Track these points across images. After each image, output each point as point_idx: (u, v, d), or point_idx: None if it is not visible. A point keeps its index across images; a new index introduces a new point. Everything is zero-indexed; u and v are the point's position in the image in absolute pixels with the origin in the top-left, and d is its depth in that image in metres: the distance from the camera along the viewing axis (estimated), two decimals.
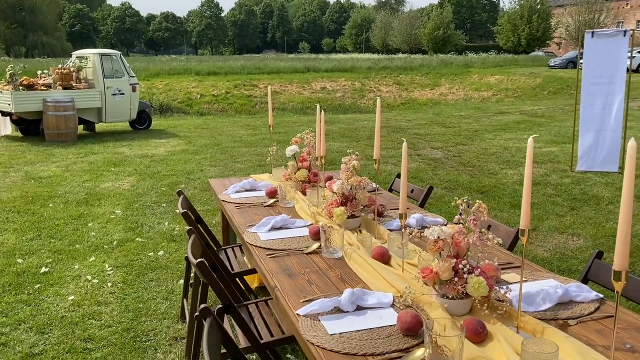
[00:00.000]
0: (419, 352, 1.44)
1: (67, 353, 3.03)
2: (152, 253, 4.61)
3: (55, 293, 3.82)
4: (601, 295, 1.78)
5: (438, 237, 1.63)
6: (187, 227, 2.65)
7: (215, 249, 3.18)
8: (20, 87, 10.41)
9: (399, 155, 9.39)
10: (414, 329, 1.52)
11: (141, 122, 12.16)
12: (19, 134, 11.46)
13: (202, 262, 2.01)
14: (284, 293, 1.86)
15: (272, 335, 2.23)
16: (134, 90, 11.60)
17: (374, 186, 3.02)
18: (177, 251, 4.62)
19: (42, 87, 10.68)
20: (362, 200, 2.50)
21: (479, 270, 1.57)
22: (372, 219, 2.51)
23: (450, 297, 1.59)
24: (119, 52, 12.06)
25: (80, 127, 11.40)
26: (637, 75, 28.27)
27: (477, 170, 7.88)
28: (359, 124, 13.76)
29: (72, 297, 3.75)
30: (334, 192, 2.48)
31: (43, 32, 66.28)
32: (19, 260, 4.43)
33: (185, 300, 3.24)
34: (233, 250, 3.32)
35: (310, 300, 1.77)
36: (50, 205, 6.13)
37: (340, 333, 1.55)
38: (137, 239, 4.99)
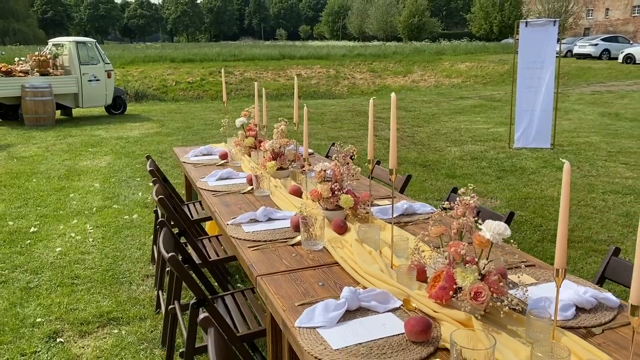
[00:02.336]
0: None
1: (57, 287, 3.74)
2: (127, 216, 5.31)
3: (44, 246, 4.51)
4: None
5: (323, 169, 2.38)
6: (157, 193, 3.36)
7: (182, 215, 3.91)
8: None
9: (359, 136, 10.17)
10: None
11: (116, 107, 12.71)
12: None
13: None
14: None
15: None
16: (109, 76, 12.13)
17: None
18: (149, 215, 5.32)
19: (20, 74, 11.16)
20: (288, 156, 3.26)
21: (347, 189, 2.34)
22: (299, 172, 3.26)
23: (329, 209, 2.37)
24: (94, 40, 12.55)
25: (58, 112, 11.90)
26: (566, 59, 29.66)
27: (425, 148, 8.70)
28: (327, 108, 14.49)
29: (59, 248, 4.44)
30: (266, 149, 3.23)
31: (14, 18, 65.16)
32: (10, 223, 5.09)
33: (154, 246, 3.95)
34: (194, 205, 4.04)
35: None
36: (34, 180, 6.75)
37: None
38: (114, 205, 5.68)
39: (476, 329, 1.35)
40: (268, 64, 30.52)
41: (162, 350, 2.88)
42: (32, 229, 4.92)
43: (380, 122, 11.70)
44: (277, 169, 3.19)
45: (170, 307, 2.46)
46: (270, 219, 2.48)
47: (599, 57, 30.84)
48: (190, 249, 2.91)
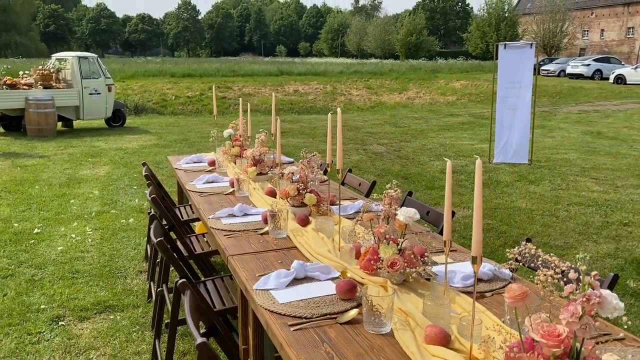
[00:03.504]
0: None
1: (59, 280, 4.13)
2: (124, 220, 5.72)
3: (47, 245, 4.91)
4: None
5: (292, 173, 2.81)
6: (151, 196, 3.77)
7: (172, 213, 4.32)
8: (4, 86, 11.34)
9: (347, 149, 10.61)
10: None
11: (116, 120, 13.17)
12: (1, 130, 12.36)
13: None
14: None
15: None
16: (109, 90, 12.61)
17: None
18: (144, 219, 5.72)
19: (24, 86, 11.63)
20: (267, 162, 3.69)
21: (310, 189, 2.77)
22: (277, 177, 3.68)
23: (295, 205, 2.79)
24: (95, 55, 13.06)
25: (59, 123, 12.35)
26: (558, 79, 30.44)
27: (409, 162, 9.15)
28: (319, 123, 14.97)
29: (61, 247, 4.85)
30: (245, 157, 3.66)
31: (16, 32, 66.00)
32: (15, 224, 5.50)
33: (148, 245, 4.35)
34: (185, 208, 4.46)
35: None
36: (37, 187, 7.16)
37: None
38: (112, 211, 6.09)
39: (388, 286, 1.77)
40: (266, 79, 31.09)
41: (152, 332, 3.27)
42: (35, 230, 5.32)
43: (369, 137, 12.19)
44: (257, 174, 3.62)
45: (158, 289, 2.86)
46: (245, 214, 2.90)
47: (591, 77, 31.50)
48: (179, 243, 3.31)
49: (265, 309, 1.79)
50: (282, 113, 22.93)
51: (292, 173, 2.84)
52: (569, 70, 33.01)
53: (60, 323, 3.46)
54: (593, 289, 1.16)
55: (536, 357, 1.19)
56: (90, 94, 12.30)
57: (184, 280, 1.92)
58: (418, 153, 10.05)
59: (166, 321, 2.56)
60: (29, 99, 11.27)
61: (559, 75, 33.61)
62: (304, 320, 1.71)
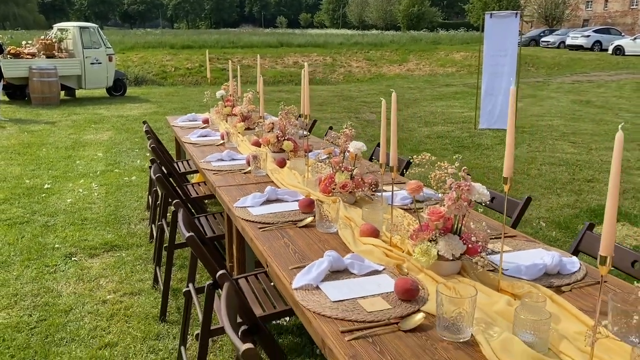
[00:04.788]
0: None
1: (70, 225, 4.62)
2: (127, 178, 6.19)
3: (57, 198, 5.39)
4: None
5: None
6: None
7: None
8: (8, 56, 11.70)
9: (341, 117, 11.02)
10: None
11: (117, 89, 13.55)
12: (6, 98, 12.76)
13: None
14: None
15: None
16: (110, 60, 12.96)
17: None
18: (146, 177, 6.18)
19: (27, 56, 11.98)
20: (254, 119, 4.12)
21: (288, 137, 3.22)
22: (263, 131, 4.10)
23: (275, 151, 3.24)
24: (96, 25, 13.37)
25: (62, 92, 12.74)
26: (558, 50, 30.49)
27: (398, 128, 9.54)
28: (315, 93, 15.33)
29: (70, 200, 5.33)
30: (235, 114, 4.09)
31: (14, 3, 65.53)
32: (27, 181, 5.97)
33: (149, 196, 4.81)
34: (182, 163, 4.91)
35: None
36: (44, 149, 7.62)
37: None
38: (115, 170, 6.55)
39: (338, 201, 2.24)
40: (266, 51, 31.15)
41: (153, 265, 3.76)
42: (45, 186, 5.79)
43: (363, 106, 12.58)
44: (245, 129, 4.06)
45: (158, 223, 3.33)
46: (233, 159, 3.36)
47: (591, 49, 31.54)
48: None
49: (242, 219, 2.26)
50: (281, 85, 23.21)
51: (272, 123, 3.28)
52: (568, 41, 32.99)
53: (73, 259, 3.95)
54: (465, 181, 1.62)
55: (427, 231, 1.66)
56: (92, 63, 12.65)
57: (178, 201, 2.39)
58: (408, 120, 10.46)
59: (165, 245, 3.04)
60: (32, 68, 11.63)
61: (558, 47, 33.61)
62: (271, 225, 2.18)
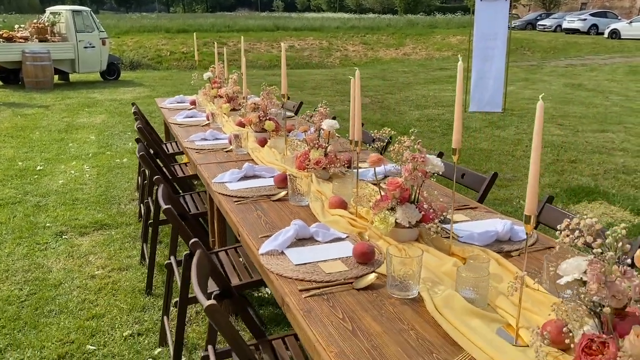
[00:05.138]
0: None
1: (61, 205, 4.72)
2: (118, 160, 6.28)
3: (49, 179, 5.49)
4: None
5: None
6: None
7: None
8: (1, 40, 11.70)
9: (334, 101, 11.07)
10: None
11: (111, 73, 13.56)
12: (0, 82, 12.78)
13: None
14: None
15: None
16: (103, 43, 12.95)
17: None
18: (137, 159, 6.28)
19: (20, 40, 11.97)
20: (241, 101, 4.21)
21: (269, 117, 3.31)
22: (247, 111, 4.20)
23: (257, 131, 3.34)
24: (88, 9, 13.33)
25: (56, 77, 12.75)
26: (554, 34, 30.39)
27: (389, 112, 9.64)
28: (310, 77, 15.36)
29: (62, 181, 5.42)
30: (222, 96, 4.18)
31: None
32: (20, 163, 6.06)
33: (139, 177, 4.92)
34: (171, 144, 5.00)
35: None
36: (37, 133, 7.69)
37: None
38: (107, 152, 6.64)
39: (312, 176, 2.34)
40: (262, 35, 30.96)
41: (140, 242, 3.87)
42: (38, 167, 5.89)
43: (364, 98, 12.67)
44: (230, 110, 4.15)
45: (145, 201, 3.44)
46: (216, 138, 3.45)
47: (587, 32, 31.45)
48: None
49: (219, 193, 2.37)
50: (276, 68, 23.18)
51: (255, 103, 3.38)
52: (565, 25, 32.87)
53: (63, 237, 4.06)
54: (421, 153, 1.72)
55: (386, 201, 1.77)
56: (85, 47, 12.65)
57: (158, 176, 2.49)
58: (400, 104, 10.53)
59: (150, 221, 3.15)
60: (25, 52, 11.64)
61: (555, 31, 33.49)
62: (246, 198, 2.29)
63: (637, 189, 5.11)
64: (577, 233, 1.04)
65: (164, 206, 2.12)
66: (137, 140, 3.44)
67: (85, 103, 10.24)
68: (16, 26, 12.75)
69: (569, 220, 1.07)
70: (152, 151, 4.06)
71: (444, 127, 8.16)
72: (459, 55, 1.95)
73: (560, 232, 1.08)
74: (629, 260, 1.02)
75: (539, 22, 34.84)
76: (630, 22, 28.99)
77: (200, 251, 1.79)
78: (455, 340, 1.26)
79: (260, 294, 3.14)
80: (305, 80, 14.48)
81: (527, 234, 1.24)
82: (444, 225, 1.91)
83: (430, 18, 42.65)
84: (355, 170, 2.11)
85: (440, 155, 3.29)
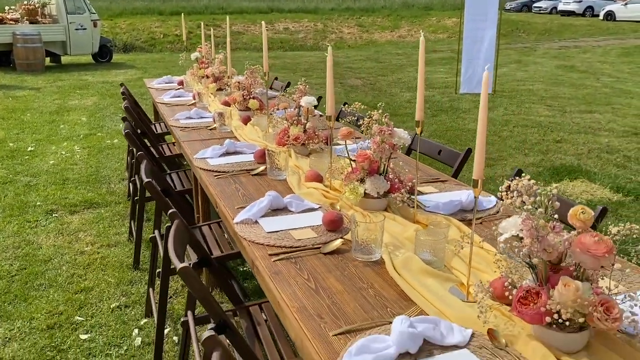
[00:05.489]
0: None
1: (52, 185, 4.79)
2: (109, 141, 6.33)
3: (40, 160, 5.54)
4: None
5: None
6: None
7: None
8: None
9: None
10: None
11: (103, 56, 13.51)
12: None
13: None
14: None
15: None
16: (95, 25, 12.89)
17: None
18: None
19: (11, 22, 11.90)
20: (227, 81, 4.26)
21: (253, 95, 3.37)
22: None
23: (241, 109, 3.40)
24: None
25: (47, 59, 12.69)
26: (549, 16, 30.31)
27: (381, 93, 9.68)
28: (303, 59, 15.34)
29: (52, 161, 5.48)
30: (208, 76, 4.23)
31: None
32: (11, 144, 6.10)
33: (128, 157, 4.97)
34: (159, 124, 5.06)
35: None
36: (28, 114, 7.71)
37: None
38: (98, 133, 6.68)
39: (291, 152, 2.41)
40: (256, 17, 30.70)
41: (128, 220, 3.95)
42: (29, 148, 5.93)
43: (348, 72, 12.64)
44: (217, 89, 4.20)
45: (131, 179, 3.51)
46: (201, 117, 3.51)
47: (583, 14, 31.36)
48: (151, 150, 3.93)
49: (200, 168, 2.44)
50: (270, 52, 23.06)
51: (239, 82, 3.43)
52: (560, 7, 32.74)
53: (54, 215, 4.13)
54: (388, 126, 1.80)
55: (356, 173, 1.85)
56: (76, 29, 12.58)
57: (141, 152, 2.56)
58: (392, 86, 10.56)
59: (136, 198, 3.23)
60: (16, 34, 11.58)
61: (550, 13, 33.37)
62: (225, 173, 2.37)
63: (619, 168, 5.21)
64: (515, 193, 1.13)
65: (145, 179, 2.19)
66: (124, 119, 3.50)
67: (77, 85, 10.23)
68: (6, 8, 12.66)
69: (509, 181, 1.15)
70: (139, 131, 4.12)
71: (434, 108, 8.21)
72: (421, 31, 2.01)
73: (502, 194, 1.16)
74: (556, 216, 1.10)
75: (535, 4, 34.68)
76: (626, 3, 28.91)
77: (178, 221, 1.87)
78: (409, 297, 1.35)
79: (245, 268, 3.23)
80: (299, 63, 14.47)
81: (475, 197, 1.32)
82: (414, 197, 2.00)
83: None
84: (341, 148, 2.19)
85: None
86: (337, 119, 4.03)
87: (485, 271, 1.44)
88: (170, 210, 1.90)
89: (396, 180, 1.82)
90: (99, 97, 9.15)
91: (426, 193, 2.08)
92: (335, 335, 1.20)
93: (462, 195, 1.93)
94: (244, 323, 1.96)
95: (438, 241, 1.48)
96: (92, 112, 7.90)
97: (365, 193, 1.86)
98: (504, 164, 5.35)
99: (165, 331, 2.61)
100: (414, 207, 1.85)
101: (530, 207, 1.08)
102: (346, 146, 2.00)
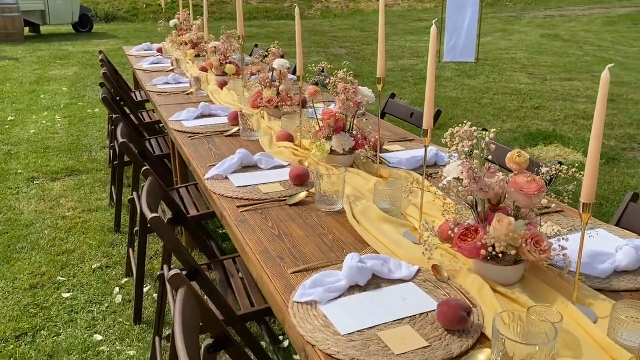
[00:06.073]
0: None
1: (33, 153, 4.80)
2: (90, 110, 6.31)
3: (20, 129, 5.53)
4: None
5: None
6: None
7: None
8: None
9: (309, 52, 11.05)
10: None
11: (83, 25, 13.28)
12: None
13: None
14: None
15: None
16: None
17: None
18: None
19: None
20: (205, 46, 4.27)
21: (229, 60, 3.40)
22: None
23: (218, 74, 3.44)
24: None
25: (26, 29, 12.45)
26: None
27: (365, 62, 9.68)
28: (287, 28, 15.20)
29: (33, 130, 5.47)
30: (187, 42, 4.23)
31: None
32: None
33: (109, 125, 4.99)
34: (139, 93, 5.06)
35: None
36: (8, 84, 7.63)
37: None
38: (79, 103, 6.66)
39: (264, 114, 2.48)
40: None
41: (109, 186, 4.00)
42: (9, 118, 5.91)
43: (333, 41, 12.59)
44: (195, 55, 4.21)
45: (110, 144, 3.55)
46: (178, 82, 3.55)
47: None
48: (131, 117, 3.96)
49: (174, 130, 2.50)
50: (255, 20, 22.78)
51: (215, 47, 3.46)
52: None
53: (35, 182, 4.17)
54: (352, 84, 1.86)
55: (322, 129, 1.92)
56: None
57: (117, 115, 2.60)
58: (376, 55, 10.53)
59: (114, 162, 3.28)
60: None
61: None
62: (199, 134, 2.43)
63: None
64: (457, 139, 1.21)
65: (120, 140, 2.25)
66: (101, 85, 3.52)
67: (57, 55, 10.09)
68: None
69: (452, 129, 1.23)
70: (118, 98, 4.14)
71: (416, 77, 8.26)
72: None
73: (446, 140, 1.24)
74: (490, 157, 1.19)
75: None
76: None
77: (151, 178, 1.93)
78: (365, 240, 1.44)
79: (224, 230, 3.32)
80: (283, 32, 14.35)
81: (425, 146, 1.41)
82: (381, 155, 2.08)
83: None
84: (300, 105, 2.25)
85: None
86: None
87: (438, 218, 1.53)
88: (144, 168, 1.96)
89: (359, 136, 1.90)
90: (79, 66, 9.05)
91: (392, 151, 2.17)
92: (293, 272, 1.29)
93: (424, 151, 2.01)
94: (218, 275, 2.06)
95: (395, 191, 1.57)
96: (72, 82, 7.83)
97: (331, 150, 1.94)
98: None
99: (146, 289, 2.71)
100: (380, 163, 1.93)
101: (467, 149, 1.16)
102: (313, 105, 2.06)
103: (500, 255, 1.16)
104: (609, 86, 0.99)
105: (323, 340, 1.04)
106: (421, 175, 1.87)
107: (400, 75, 8.38)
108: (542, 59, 9.82)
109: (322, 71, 2.37)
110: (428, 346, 1.02)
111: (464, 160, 1.17)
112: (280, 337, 2.32)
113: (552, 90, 7.17)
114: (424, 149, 2.08)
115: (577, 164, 4.52)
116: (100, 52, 4.96)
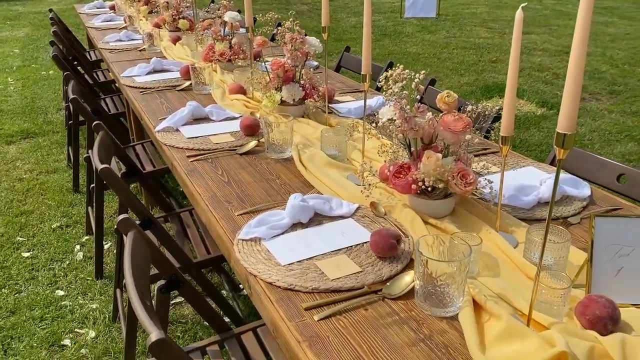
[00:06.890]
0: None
1: None
2: (44, 72, 6.12)
3: None
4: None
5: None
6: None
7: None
8: None
9: (269, 9, 10.83)
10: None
11: None
12: None
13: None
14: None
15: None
16: None
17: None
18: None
19: None
20: (158, 2, 4.17)
21: (186, 17, 3.35)
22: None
23: (171, 30, 3.39)
24: None
25: None
26: None
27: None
28: None
29: None
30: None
31: None
32: None
33: (64, 87, 4.87)
34: (94, 52, 4.93)
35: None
36: None
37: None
38: (32, 65, 6.44)
39: (216, 66, 2.48)
40: None
41: (66, 147, 3.94)
42: None
43: (302, 6, 12.41)
44: (148, 12, 4.12)
45: (65, 105, 3.49)
46: (131, 39, 3.48)
47: None
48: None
49: (127, 85, 2.49)
50: None
51: (167, 2, 3.39)
52: None
53: None
54: (300, 34, 1.89)
55: (272, 80, 1.95)
56: None
57: (68, 73, 2.57)
58: (338, 11, 10.44)
59: (69, 122, 3.24)
60: None
61: None
62: (151, 89, 2.43)
63: (547, 84, 5.49)
64: (391, 81, 1.27)
65: (71, 96, 2.23)
66: (52, 43, 3.43)
67: (7, 16, 9.65)
68: None
69: (386, 72, 1.29)
70: (71, 57, 4.04)
71: (378, 33, 8.24)
72: None
73: (381, 83, 1.30)
74: (418, 97, 1.26)
75: None
76: None
77: (102, 132, 1.95)
78: (311, 184, 1.51)
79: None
80: None
81: (364, 92, 1.46)
82: (332, 106, 2.13)
83: None
84: (251, 57, 2.27)
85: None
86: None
87: (381, 162, 1.61)
88: (95, 123, 1.97)
89: (308, 86, 1.94)
90: (31, 27, 8.70)
91: (343, 101, 2.22)
92: (240, 214, 1.35)
93: (373, 101, 2.08)
94: (175, 227, 2.11)
95: (341, 138, 1.63)
96: (25, 44, 7.54)
97: (282, 101, 1.98)
98: (440, 84, 5.53)
99: (107, 246, 2.74)
100: (330, 113, 1.99)
101: (398, 90, 1.22)
102: (263, 59, 2.08)
103: (430, 189, 1.24)
104: (567, 39, 1.05)
105: (264, 270, 1.12)
106: (370, 123, 1.94)
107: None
108: (502, 13, 9.90)
109: (279, 25, 2.39)
110: (361, 271, 1.10)
111: (396, 100, 1.23)
112: (241, 286, 2.40)
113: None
114: (373, 99, 2.15)
115: (530, 115, 4.68)
116: (51, 10, 4.79)
